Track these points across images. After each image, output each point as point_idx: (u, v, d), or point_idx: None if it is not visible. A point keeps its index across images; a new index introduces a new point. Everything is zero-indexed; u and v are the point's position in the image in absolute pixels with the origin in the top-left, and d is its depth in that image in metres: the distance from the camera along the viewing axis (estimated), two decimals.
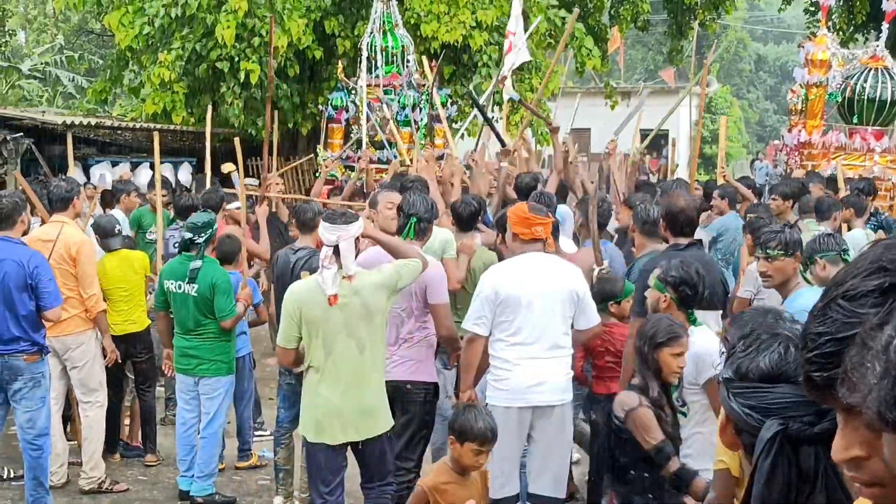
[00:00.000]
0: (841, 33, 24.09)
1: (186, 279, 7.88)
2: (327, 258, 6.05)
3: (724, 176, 12.65)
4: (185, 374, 8.11)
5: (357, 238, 6.25)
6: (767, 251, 6.14)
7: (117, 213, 10.31)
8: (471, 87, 15.00)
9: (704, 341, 5.44)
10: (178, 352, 8.09)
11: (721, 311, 6.87)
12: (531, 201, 8.38)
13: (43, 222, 8.83)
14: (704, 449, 5.39)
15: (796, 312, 6.18)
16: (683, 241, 6.86)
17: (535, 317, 6.34)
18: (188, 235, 7.99)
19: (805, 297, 5.95)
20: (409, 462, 6.90)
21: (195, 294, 7.87)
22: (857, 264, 1.53)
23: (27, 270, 7.49)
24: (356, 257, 6.27)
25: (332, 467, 6.22)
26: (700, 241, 7.14)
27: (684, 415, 5.46)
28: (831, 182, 12.67)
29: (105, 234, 9.12)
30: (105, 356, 8.54)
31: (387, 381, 6.39)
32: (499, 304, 6.36)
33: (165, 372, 8.60)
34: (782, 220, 9.28)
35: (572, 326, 6.54)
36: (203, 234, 7.94)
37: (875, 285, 1.48)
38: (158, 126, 18.46)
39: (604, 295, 7.88)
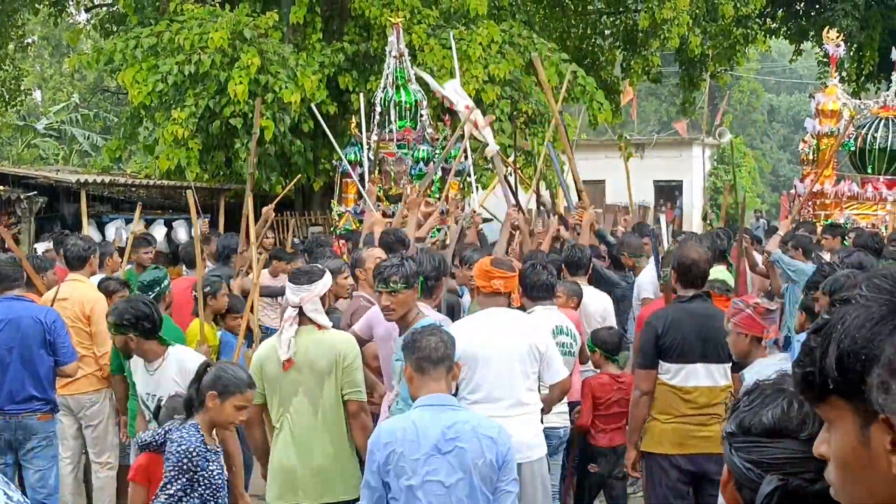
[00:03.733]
0: (852, 84, 24.15)
1: None
2: (289, 319, 6.07)
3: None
4: None
5: (325, 295, 6.31)
6: (390, 285, 6.11)
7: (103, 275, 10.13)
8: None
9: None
10: (132, 415, 7.63)
11: (730, 364, 6.82)
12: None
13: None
14: None
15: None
16: (690, 292, 6.83)
17: (493, 374, 6.23)
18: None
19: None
20: None
21: None
22: None
23: (45, 326, 7.51)
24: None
25: None
26: (707, 293, 7.06)
27: None
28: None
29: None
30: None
31: None
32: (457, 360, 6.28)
33: (121, 439, 8.21)
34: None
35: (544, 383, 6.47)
36: (152, 292, 7.58)
37: None
38: (175, 183, 18.57)
39: (599, 346, 7.95)
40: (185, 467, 5.16)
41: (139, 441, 5.51)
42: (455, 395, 6.23)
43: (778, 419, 2.13)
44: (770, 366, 5.28)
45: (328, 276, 6.34)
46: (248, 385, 5.44)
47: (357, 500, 5.82)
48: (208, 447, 5.28)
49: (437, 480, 4.74)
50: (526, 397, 6.34)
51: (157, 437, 5.37)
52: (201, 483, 5.22)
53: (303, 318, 6.09)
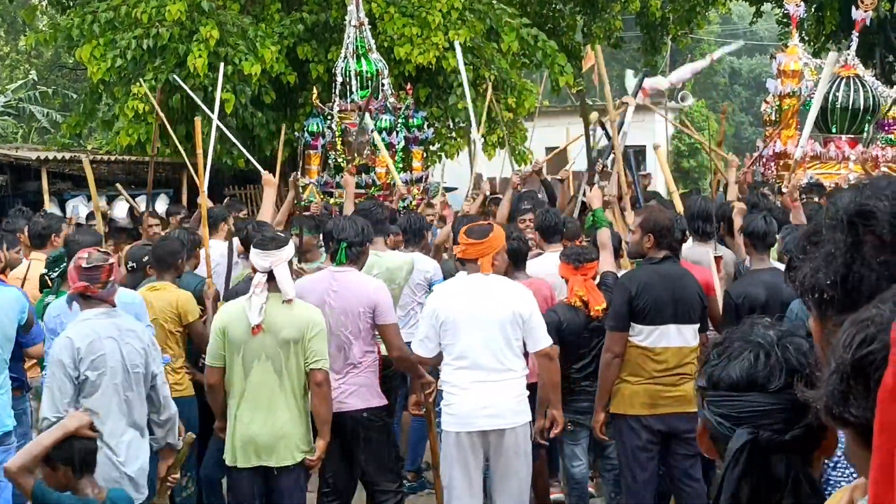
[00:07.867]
0: (812, 43, 24.19)
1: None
2: (259, 285, 6.17)
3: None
4: None
5: (290, 262, 6.47)
6: None
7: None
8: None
9: None
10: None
11: (698, 325, 6.89)
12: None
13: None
14: None
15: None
16: (661, 254, 6.87)
17: (476, 339, 6.31)
18: (43, 272, 7.41)
19: None
20: (392, 484, 6.92)
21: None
22: None
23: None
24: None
25: (249, 492, 6.29)
26: (676, 254, 7.15)
27: None
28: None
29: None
30: None
31: (343, 413, 6.47)
32: (440, 325, 6.37)
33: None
34: None
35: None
36: (56, 270, 7.38)
37: None
38: (137, 158, 18.38)
39: None
40: None
41: None
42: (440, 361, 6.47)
43: (746, 373, 2.12)
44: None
45: (292, 243, 6.45)
46: None
47: (301, 462, 6.29)
48: None
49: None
50: (511, 363, 6.40)
51: None
52: None
53: (271, 283, 6.18)
